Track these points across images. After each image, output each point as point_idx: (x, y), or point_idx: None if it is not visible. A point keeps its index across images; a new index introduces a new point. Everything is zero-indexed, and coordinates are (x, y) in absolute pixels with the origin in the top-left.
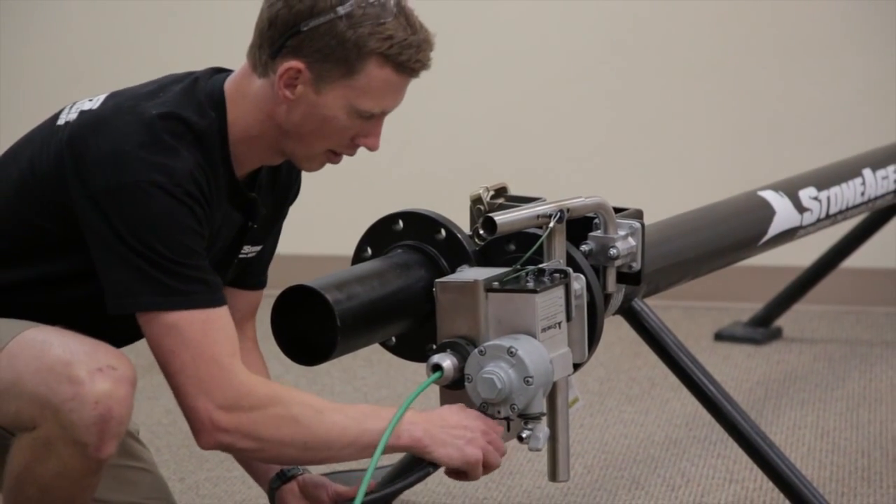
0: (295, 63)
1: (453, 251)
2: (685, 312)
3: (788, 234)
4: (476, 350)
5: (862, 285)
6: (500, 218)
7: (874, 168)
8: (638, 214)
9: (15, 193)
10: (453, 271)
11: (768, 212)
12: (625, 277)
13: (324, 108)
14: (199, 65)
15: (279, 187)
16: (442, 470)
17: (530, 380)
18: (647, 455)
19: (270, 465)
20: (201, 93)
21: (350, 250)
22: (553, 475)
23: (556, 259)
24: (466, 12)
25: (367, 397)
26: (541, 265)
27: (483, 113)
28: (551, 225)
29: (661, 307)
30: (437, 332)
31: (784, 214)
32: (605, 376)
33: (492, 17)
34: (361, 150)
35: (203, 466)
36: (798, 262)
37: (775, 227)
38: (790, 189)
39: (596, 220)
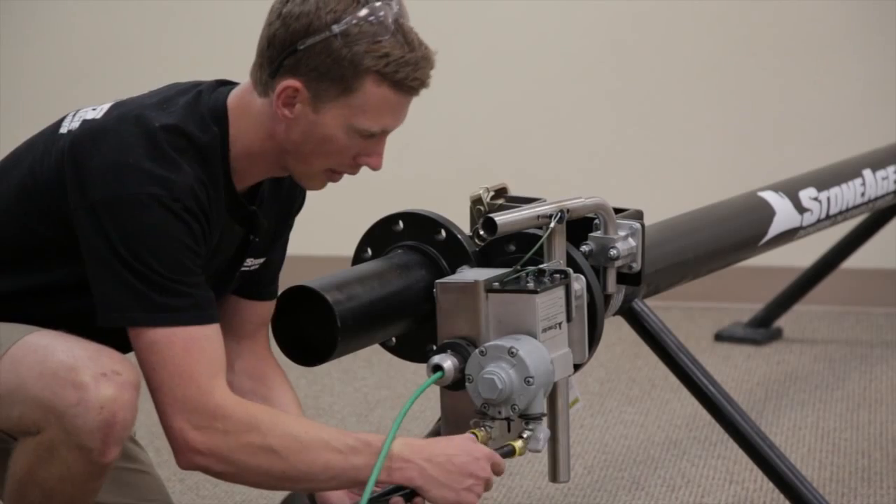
0: (292, 82)
1: (453, 252)
2: (685, 313)
3: (788, 235)
4: (477, 350)
5: (862, 286)
6: (500, 218)
7: (874, 169)
8: (638, 215)
9: (16, 200)
10: (453, 272)
11: (768, 212)
12: (625, 278)
13: (322, 126)
14: (199, 65)
15: (283, 199)
16: None
17: (531, 380)
18: (647, 456)
19: None
20: (204, 106)
21: (350, 251)
22: (553, 476)
23: (557, 259)
24: (466, 12)
25: (367, 398)
26: (541, 266)
27: (483, 113)
28: (551, 225)
29: (661, 308)
30: (438, 332)
31: (784, 215)
32: (606, 377)
33: (492, 17)
34: None
35: None
36: (798, 262)
37: (775, 228)
38: (790, 189)
39: (596, 221)
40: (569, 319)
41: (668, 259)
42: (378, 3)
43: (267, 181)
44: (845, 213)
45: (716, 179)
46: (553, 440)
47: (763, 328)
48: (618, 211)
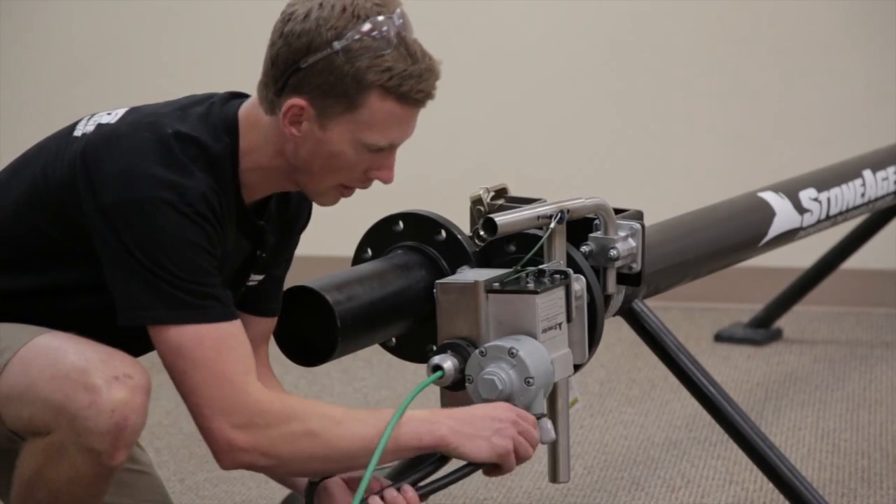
0: (297, 100)
1: (453, 252)
2: (685, 313)
3: (789, 236)
4: (477, 351)
5: (862, 286)
6: (500, 219)
7: (874, 169)
8: (638, 215)
9: (27, 201)
10: (453, 272)
11: (768, 213)
12: (625, 278)
13: (330, 143)
14: (199, 65)
15: (289, 216)
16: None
17: (531, 380)
18: (647, 456)
19: None
20: (216, 117)
21: (350, 251)
22: (553, 476)
23: (557, 260)
24: (467, 12)
25: (367, 398)
26: (541, 266)
27: (483, 113)
28: (552, 226)
29: (661, 308)
30: (438, 332)
31: (784, 215)
32: (606, 377)
33: (492, 17)
34: None
35: (203, 467)
36: (798, 263)
37: (775, 229)
38: (790, 190)
39: (596, 221)
40: (569, 320)
41: (669, 259)
42: (380, 18)
43: (275, 196)
44: (845, 214)
45: (716, 180)
46: (553, 441)
47: (763, 329)
48: (618, 211)
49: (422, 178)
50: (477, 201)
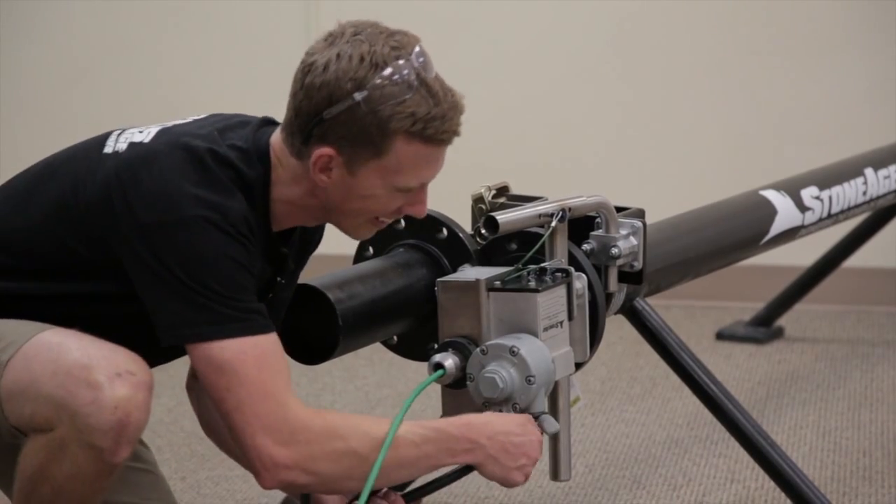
0: (326, 150)
1: (455, 250)
2: (687, 312)
3: (790, 234)
4: (478, 349)
5: (864, 285)
6: (501, 217)
7: (876, 167)
8: (640, 213)
9: (54, 213)
10: (455, 270)
11: (770, 211)
12: (626, 276)
13: (361, 188)
14: (199, 65)
15: (306, 243)
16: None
17: (532, 379)
18: (648, 454)
19: None
20: (251, 144)
21: (352, 250)
22: (554, 474)
23: (558, 258)
24: (467, 12)
25: (368, 397)
26: (542, 264)
27: (484, 112)
28: (553, 224)
29: (662, 306)
30: (439, 331)
31: (786, 214)
32: (607, 375)
33: (493, 16)
34: None
35: (204, 465)
36: (800, 261)
37: (777, 227)
38: (792, 188)
39: (598, 220)
40: (570, 318)
41: (670, 258)
42: (400, 62)
43: (299, 228)
44: (847, 212)
45: (717, 178)
46: (554, 439)
47: (764, 327)
48: (619, 209)
49: None
50: (478, 199)
